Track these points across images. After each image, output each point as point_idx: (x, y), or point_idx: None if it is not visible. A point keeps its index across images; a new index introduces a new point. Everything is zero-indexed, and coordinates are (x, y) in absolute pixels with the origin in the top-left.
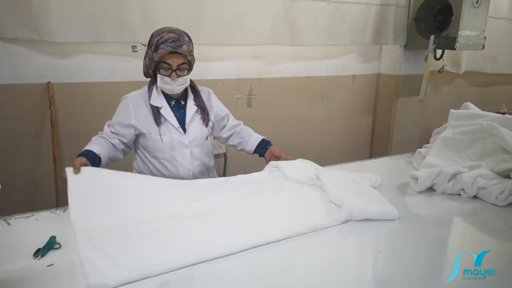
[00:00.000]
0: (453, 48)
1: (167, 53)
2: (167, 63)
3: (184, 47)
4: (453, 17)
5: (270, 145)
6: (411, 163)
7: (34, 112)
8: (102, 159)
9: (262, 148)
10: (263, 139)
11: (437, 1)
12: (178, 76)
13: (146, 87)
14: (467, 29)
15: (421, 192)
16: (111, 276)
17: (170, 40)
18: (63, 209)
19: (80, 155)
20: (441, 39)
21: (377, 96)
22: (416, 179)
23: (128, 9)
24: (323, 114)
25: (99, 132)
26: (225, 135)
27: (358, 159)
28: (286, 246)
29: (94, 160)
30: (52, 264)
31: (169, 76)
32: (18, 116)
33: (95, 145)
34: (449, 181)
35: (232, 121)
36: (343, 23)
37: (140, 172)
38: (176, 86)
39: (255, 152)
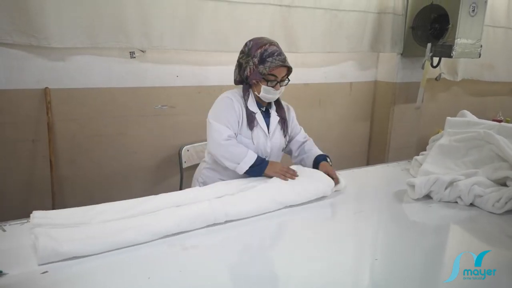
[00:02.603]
0: (450, 56)
1: (276, 66)
2: (275, 75)
3: (287, 60)
4: (450, 25)
5: (325, 159)
6: (408, 170)
7: (31, 117)
8: None
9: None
10: (318, 156)
11: (434, 9)
12: (280, 86)
13: (238, 91)
14: (463, 37)
15: (417, 199)
16: (64, 246)
17: (276, 54)
18: None
19: (260, 163)
20: (438, 47)
21: (374, 103)
22: (413, 186)
23: (125, 15)
24: (320, 121)
25: (227, 137)
26: (294, 153)
27: (355, 166)
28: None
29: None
30: (47, 271)
31: (273, 87)
32: (15, 121)
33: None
34: (445, 188)
35: (301, 138)
36: (341, 31)
37: (204, 181)
38: (277, 94)
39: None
